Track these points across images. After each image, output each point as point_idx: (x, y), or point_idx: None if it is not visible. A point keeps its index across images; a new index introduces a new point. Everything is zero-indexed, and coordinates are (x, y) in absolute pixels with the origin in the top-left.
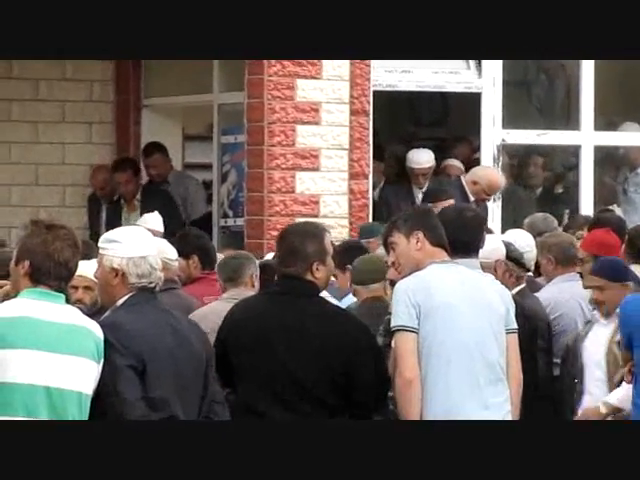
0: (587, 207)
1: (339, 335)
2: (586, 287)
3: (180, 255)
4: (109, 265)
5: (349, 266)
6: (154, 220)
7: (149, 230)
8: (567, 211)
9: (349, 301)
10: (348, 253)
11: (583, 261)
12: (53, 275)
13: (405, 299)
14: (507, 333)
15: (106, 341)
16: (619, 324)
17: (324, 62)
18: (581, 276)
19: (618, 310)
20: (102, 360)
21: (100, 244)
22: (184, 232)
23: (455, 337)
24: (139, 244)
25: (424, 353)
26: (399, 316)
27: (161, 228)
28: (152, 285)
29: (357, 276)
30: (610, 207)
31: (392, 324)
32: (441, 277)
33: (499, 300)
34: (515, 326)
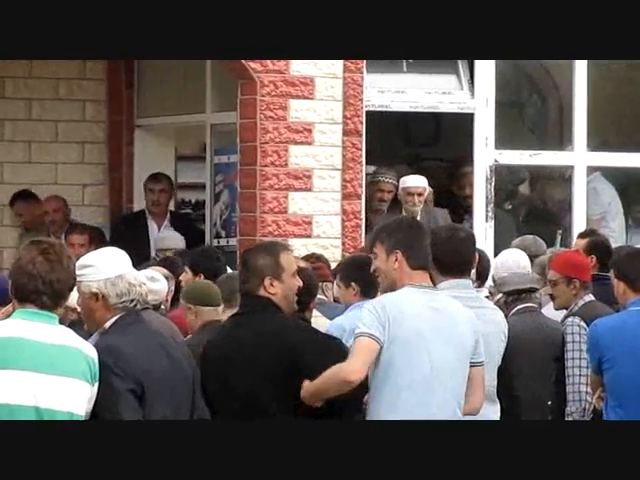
0: (580, 228)
1: (280, 343)
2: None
3: (191, 269)
4: (88, 290)
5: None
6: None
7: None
8: (560, 231)
9: (354, 315)
10: (354, 268)
11: (556, 283)
12: (33, 292)
13: (375, 315)
14: (472, 366)
15: (103, 365)
16: (588, 349)
17: (317, 82)
18: (552, 297)
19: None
20: (97, 382)
21: (76, 271)
22: (206, 249)
23: (415, 367)
24: (113, 264)
25: (380, 377)
26: (367, 325)
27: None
28: (134, 303)
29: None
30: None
31: (357, 331)
32: (413, 302)
33: (470, 332)
34: (482, 359)
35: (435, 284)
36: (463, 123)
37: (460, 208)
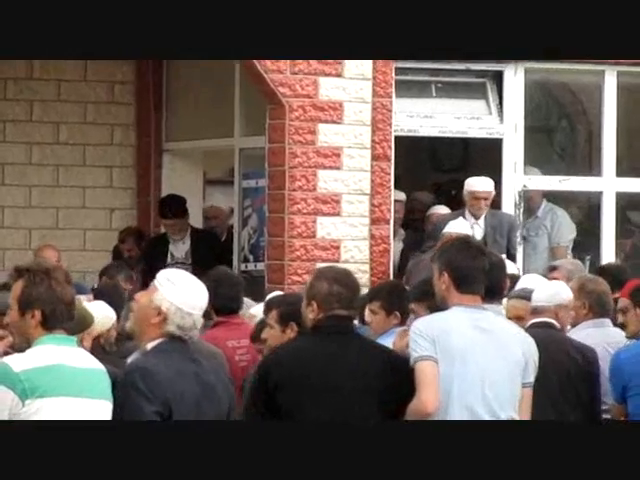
0: (609, 254)
1: (387, 359)
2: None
3: None
4: (157, 303)
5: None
6: None
7: None
8: (588, 257)
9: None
10: (395, 296)
11: (625, 310)
12: (66, 318)
13: (422, 335)
14: (523, 387)
15: (131, 384)
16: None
17: (345, 107)
18: (622, 326)
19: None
20: None
21: (159, 277)
22: (221, 274)
23: (462, 384)
24: (192, 300)
25: None
26: (419, 348)
27: None
28: (186, 337)
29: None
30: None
31: (413, 356)
32: (458, 321)
33: (520, 352)
34: (531, 380)
35: None
36: (492, 148)
37: None
